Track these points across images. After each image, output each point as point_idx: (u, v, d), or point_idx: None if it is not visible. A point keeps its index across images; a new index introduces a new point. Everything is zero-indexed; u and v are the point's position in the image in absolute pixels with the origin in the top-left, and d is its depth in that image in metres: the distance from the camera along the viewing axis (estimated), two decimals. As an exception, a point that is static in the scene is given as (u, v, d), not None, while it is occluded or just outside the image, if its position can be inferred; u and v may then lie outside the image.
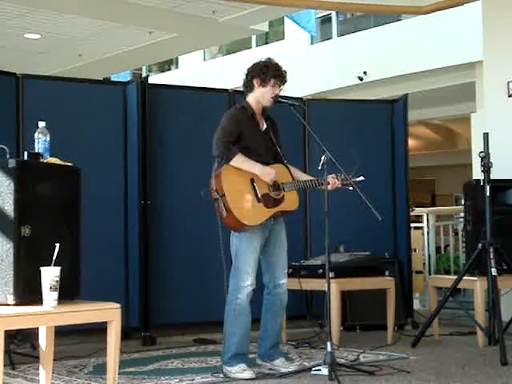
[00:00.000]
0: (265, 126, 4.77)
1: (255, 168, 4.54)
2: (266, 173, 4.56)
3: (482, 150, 5.35)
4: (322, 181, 4.64)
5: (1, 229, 3.41)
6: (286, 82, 4.73)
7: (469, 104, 13.17)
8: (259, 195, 4.55)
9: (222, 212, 4.47)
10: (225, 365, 4.54)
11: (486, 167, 5.33)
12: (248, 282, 4.55)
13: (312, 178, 4.75)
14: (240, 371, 4.48)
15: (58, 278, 3.37)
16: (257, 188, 4.55)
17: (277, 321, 4.80)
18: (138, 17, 9.77)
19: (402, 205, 6.89)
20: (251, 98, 4.73)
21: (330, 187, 4.65)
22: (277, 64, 4.71)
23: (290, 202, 4.68)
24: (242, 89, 4.86)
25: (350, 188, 4.65)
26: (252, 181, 4.55)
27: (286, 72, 4.73)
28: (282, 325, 4.93)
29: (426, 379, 4.40)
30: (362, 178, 4.62)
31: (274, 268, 4.73)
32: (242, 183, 4.52)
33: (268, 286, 4.76)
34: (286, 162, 4.78)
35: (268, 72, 4.65)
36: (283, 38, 16.77)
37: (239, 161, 4.50)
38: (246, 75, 4.72)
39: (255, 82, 4.67)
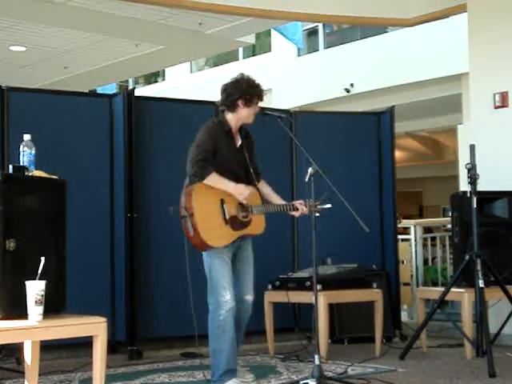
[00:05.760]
0: (239, 143, 4.72)
1: (229, 186, 4.49)
2: (239, 192, 4.51)
3: (469, 161, 5.36)
4: (290, 207, 4.69)
5: (-15, 243, 3.37)
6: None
7: (455, 116, 13.24)
8: (227, 217, 4.49)
9: (188, 230, 4.46)
10: (215, 383, 4.48)
11: (473, 179, 5.34)
12: (228, 297, 4.48)
13: (281, 203, 4.74)
14: None
15: (43, 292, 3.34)
16: (226, 209, 4.50)
17: (240, 334, 4.71)
18: (124, 29, 9.78)
19: (390, 217, 6.89)
20: (231, 116, 4.66)
21: (297, 214, 4.70)
22: (255, 82, 4.64)
23: (256, 225, 4.65)
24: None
25: (317, 214, 4.56)
26: (222, 201, 4.50)
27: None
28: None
29: (414, 392, 4.41)
30: (329, 205, 4.56)
31: (240, 283, 4.66)
32: (212, 203, 4.47)
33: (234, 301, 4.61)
34: (257, 181, 4.74)
35: (254, 93, 4.61)
36: (270, 51, 16.82)
37: (213, 179, 4.45)
38: (228, 95, 4.62)
39: (240, 102, 4.60)
